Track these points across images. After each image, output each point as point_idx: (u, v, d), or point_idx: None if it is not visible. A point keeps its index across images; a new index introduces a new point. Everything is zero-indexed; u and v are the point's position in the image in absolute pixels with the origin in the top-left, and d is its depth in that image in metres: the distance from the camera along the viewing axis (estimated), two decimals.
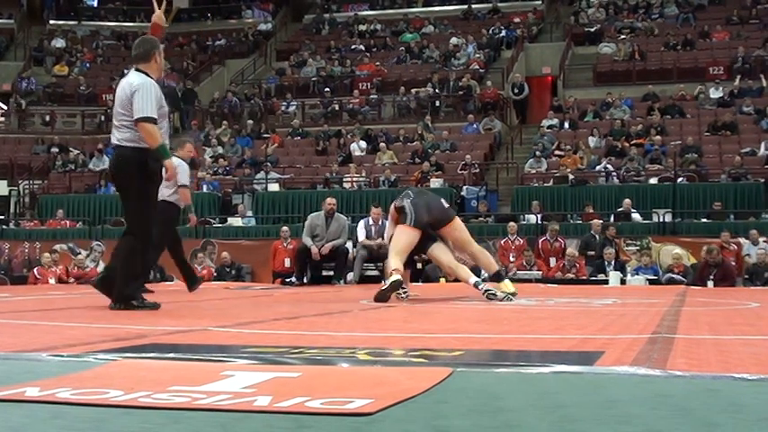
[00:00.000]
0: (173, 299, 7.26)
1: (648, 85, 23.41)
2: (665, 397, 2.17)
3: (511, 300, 7.27)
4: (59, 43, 31.13)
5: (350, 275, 12.88)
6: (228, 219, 18.11)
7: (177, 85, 27.00)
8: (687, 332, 4.21)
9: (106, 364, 2.68)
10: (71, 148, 24.02)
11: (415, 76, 25.92)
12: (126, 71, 6.02)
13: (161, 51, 5.96)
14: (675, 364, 2.80)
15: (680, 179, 17.73)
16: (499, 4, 30.05)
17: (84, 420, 1.85)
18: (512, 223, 15.46)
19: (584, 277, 13.80)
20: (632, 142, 19.91)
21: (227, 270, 14.45)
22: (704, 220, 16.46)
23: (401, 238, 7.51)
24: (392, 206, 7.84)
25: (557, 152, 20.35)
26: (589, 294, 8.89)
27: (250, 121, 24.40)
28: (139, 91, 5.64)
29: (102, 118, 25.59)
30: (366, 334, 4.17)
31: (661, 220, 15.98)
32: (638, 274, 13.67)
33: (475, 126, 22.78)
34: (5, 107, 27.43)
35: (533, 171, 19.75)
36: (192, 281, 9.27)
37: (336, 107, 25.22)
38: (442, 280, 12.93)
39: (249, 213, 18.54)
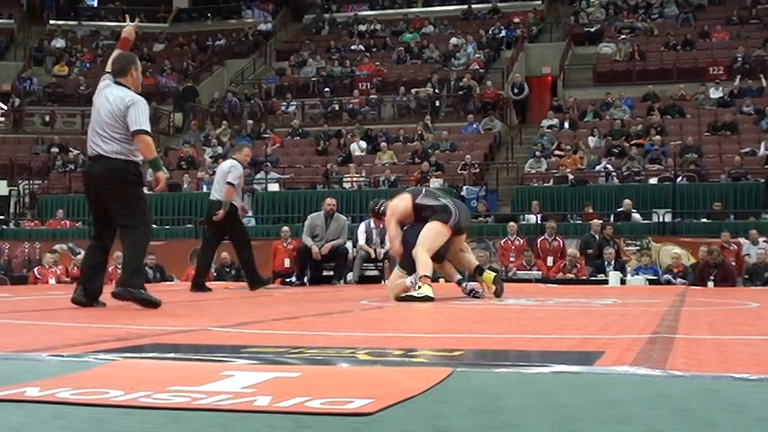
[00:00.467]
0: (173, 299, 7.25)
1: (648, 85, 23.42)
2: (665, 397, 2.17)
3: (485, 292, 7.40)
4: (59, 43, 31.14)
5: (350, 275, 12.89)
6: None
7: (179, 85, 27.04)
8: (687, 332, 4.21)
9: (106, 364, 2.68)
10: (71, 148, 24.01)
11: (415, 76, 25.93)
12: (103, 81, 6.09)
13: (138, 67, 6.13)
14: (675, 364, 2.80)
15: (680, 179, 17.74)
16: (499, 4, 30.05)
17: (84, 420, 1.85)
18: (512, 223, 15.47)
19: (584, 277, 13.81)
20: (632, 142, 19.91)
21: (227, 270, 14.46)
22: (704, 220, 16.47)
23: (438, 238, 7.22)
24: (405, 202, 7.45)
25: (557, 152, 20.36)
26: (589, 294, 8.89)
27: (250, 121, 24.41)
28: (136, 105, 5.80)
29: None
30: (366, 334, 4.17)
31: (661, 220, 15.99)
32: (638, 274, 13.68)
33: (475, 126, 22.79)
34: (5, 107, 27.43)
35: (533, 171, 19.75)
36: (256, 281, 9.80)
37: (336, 107, 25.23)
38: (442, 280, 12.92)
39: (249, 213, 18.54)
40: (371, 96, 25.18)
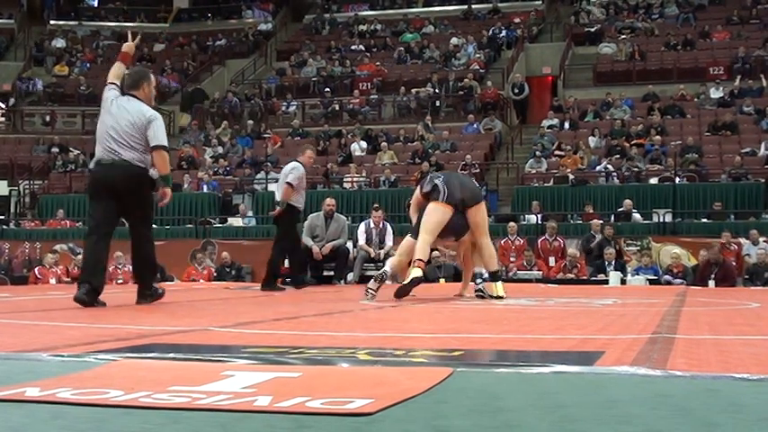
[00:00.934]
0: (173, 299, 7.25)
1: (648, 85, 23.41)
2: (665, 397, 2.17)
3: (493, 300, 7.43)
4: (59, 43, 31.13)
5: (350, 275, 12.89)
6: (229, 219, 18.11)
7: (180, 86, 27.03)
8: (687, 332, 4.20)
9: (106, 364, 2.68)
10: (71, 149, 24.02)
11: (415, 76, 25.92)
12: (110, 90, 6.27)
13: (151, 82, 6.39)
14: (675, 364, 2.80)
15: (680, 179, 17.74)
16: (499, 4, 30.05)
17: (84, 420, 1.85)
18: (512, 223, 15.46)
19: (585, 277, 13.81)
20: (632, 142, 19.91)
21: (228, 270, 14.47)
22: (704, 220, 16.47)
23: (432, 216, 7.41)
24: (416, 192, 7.88)
25: (557, 152, 20.35)
26: (589, 294, 8.89)
27: (250, 121, 24.40)
28: (157, 121, 6.15)
29: None
30: (366, 334, 4.17)
31: (661, 220, 15.99)
32: (638, 274, 13.68)
33: (475, 126, 22.79)
34: (4, 107, 27.43)
35: (533, 171, 19.75)
36: (264, 283, 9.94)
37: (337, 107, 25.23)
38: (442, 280, 12.93)
39: (249, 213, 18.55)
40: (372, 96, 25.17)
